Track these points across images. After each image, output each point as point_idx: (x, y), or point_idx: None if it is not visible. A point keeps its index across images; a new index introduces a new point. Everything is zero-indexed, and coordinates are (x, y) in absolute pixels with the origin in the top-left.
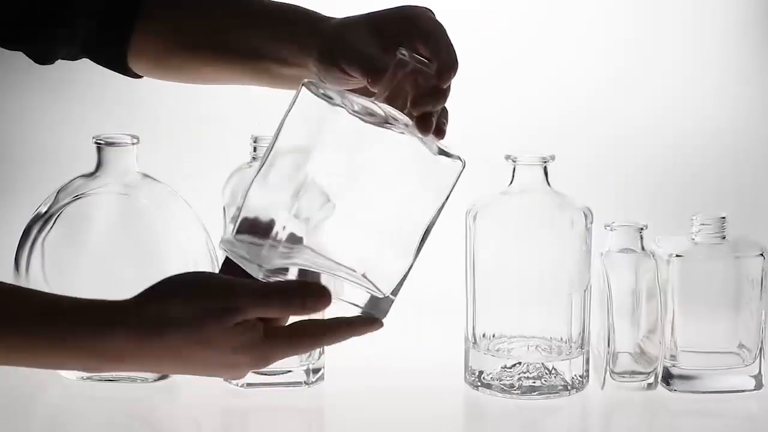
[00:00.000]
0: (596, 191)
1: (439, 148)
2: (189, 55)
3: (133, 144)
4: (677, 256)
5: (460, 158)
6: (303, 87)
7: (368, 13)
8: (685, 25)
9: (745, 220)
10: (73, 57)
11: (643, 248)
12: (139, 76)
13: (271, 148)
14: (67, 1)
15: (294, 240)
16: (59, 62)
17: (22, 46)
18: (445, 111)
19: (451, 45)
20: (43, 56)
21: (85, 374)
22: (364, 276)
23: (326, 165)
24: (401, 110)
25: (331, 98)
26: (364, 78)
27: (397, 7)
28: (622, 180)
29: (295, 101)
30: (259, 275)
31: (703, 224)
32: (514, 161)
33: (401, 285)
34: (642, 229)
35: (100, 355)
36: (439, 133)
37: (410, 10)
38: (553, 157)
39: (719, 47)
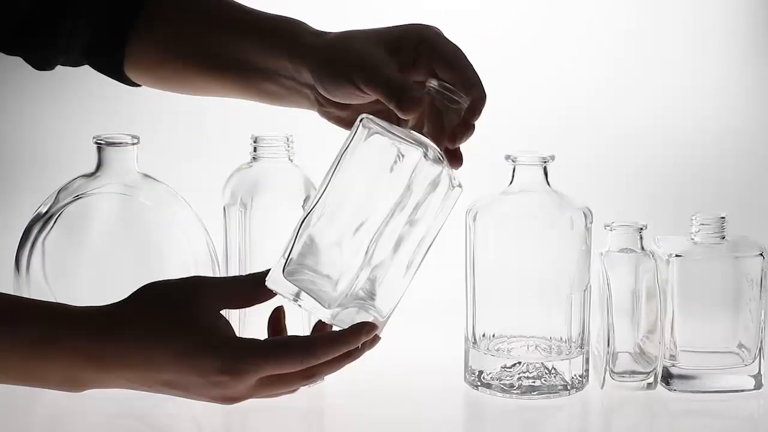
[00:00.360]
0: (596, 191)
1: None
2: (181, 67)
3: (133, 144)
4: (677, 256)
5: (460, 185)
6: (375, 136)
7: (375, 29)
8: (685, 26)
9: (744, 220)
10: (74, 63)
11: (642, 248)
12: (138, 85)
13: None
14: (64, 9)
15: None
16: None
17: (20, 52)
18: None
19: (476, 73)
20: (41, 62)
21: None
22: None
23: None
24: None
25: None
26: (390, 104)
27: (408, 25)
28: (621, 180)
29: (357, 139)
30: (327, 316)
31: (702, 224)
32: (514, 161)
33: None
34: (642, 229)
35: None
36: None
37: (425, 30)
38: (552, 157)
39: (719, 47)
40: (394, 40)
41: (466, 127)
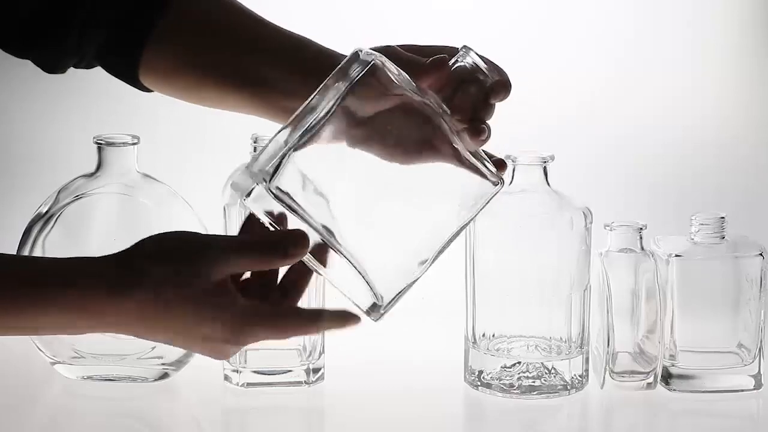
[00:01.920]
0: (596, 191)
1: (483, 162)
2: (198, 78)
3: (133, 144)
4: (676, 255)
5: (500, 179)
6: (372, 62)
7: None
8: (686, 26)
9: (744, 220)
10: (87, 66)
11: (642, 248)
12: (151, 90)
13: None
14: (74, 10)
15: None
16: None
17: (29, 54)
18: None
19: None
20: (51, 65)
21: (85, 374)
22: (364, 273)
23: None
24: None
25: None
26: (416, 70)
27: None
28: (621, 180)
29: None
30: (263, 188)
31: (702, 224)
32: (514, 161)
33: (401, 294)
34: (641, 229)
35: (67, 307)
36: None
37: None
38: (552, 158)
39: (719, 47)
40: (410, 49)
41: (486, 104)
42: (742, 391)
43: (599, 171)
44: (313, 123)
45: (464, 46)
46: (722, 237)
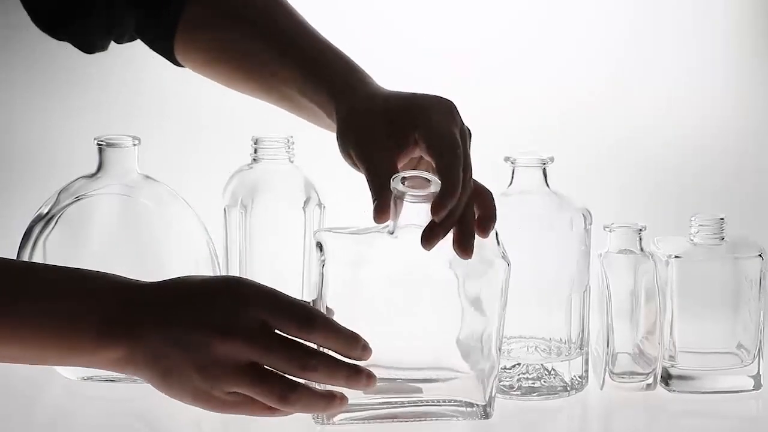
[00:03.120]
0: (595, 192)
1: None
2: (225, 75)
3: (134, 145)
4: (676, 257)
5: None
6: None
7: (386, 102)
8: (685, 26)
9: (743, 221)
10: (130, 39)
11: (641, 249)
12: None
13: None
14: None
15: None
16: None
17: (68, 36)
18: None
19: (456, 171)
20: (89, 44)
21: (85, 374)
22: None
23: None
24: None
25: None
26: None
27: (415, 101)
28: (621, 181)
29: None
30: None
31: (701, 225)
32: (513, 163)
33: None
34: (641, 230)
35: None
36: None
37: (426, 112)
38: (552, 159)
39: (719, 47)
40: (396, 118)
41: (436, 225)
42: (742, 391)
43: (599, 172)
44: None
45: (394, 180)
46: (722, 238)
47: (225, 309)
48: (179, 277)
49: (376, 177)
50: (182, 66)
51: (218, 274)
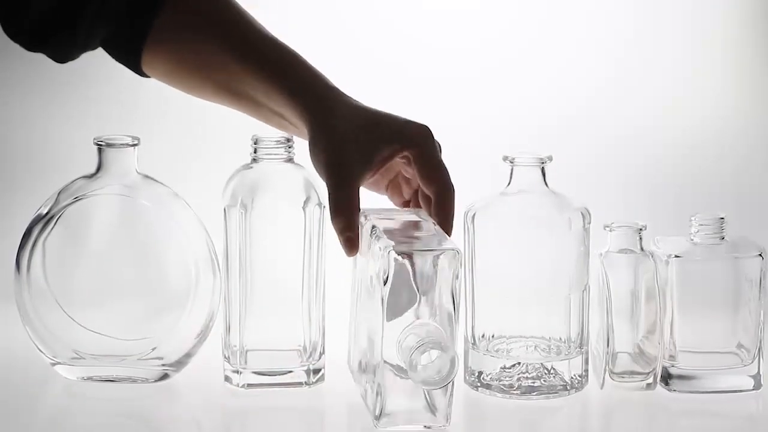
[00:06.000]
0: (595, 192)
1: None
2: (192, 81)
3: (133, 145)
4: (676, 256)
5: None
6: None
7: (362, 122)
8: (685, 25)
9: (743, 220)
10: (93, 48)
11: (642, 249)
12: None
13: None
14: (83, 7)
15: None
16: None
17: (41, 48)
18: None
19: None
20: (62, 56)
21: (85, 374)
22: None
23: None
24: None
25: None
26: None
27: (394, 131)
28: (621, 180)
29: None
30: None
31: (701, 225)
32: (512, 162)
33: None
34: (641, 229)
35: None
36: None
37: (404, 144)
38: (550, 158)
39: (719, 47)
40: (369, 135)
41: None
42: (742, 391)
43: (598, 171)
44: None
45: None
46: (722, 237)
47: None
48: None
49: (343, 210)
50: (148, 76)
51: (218, 271)
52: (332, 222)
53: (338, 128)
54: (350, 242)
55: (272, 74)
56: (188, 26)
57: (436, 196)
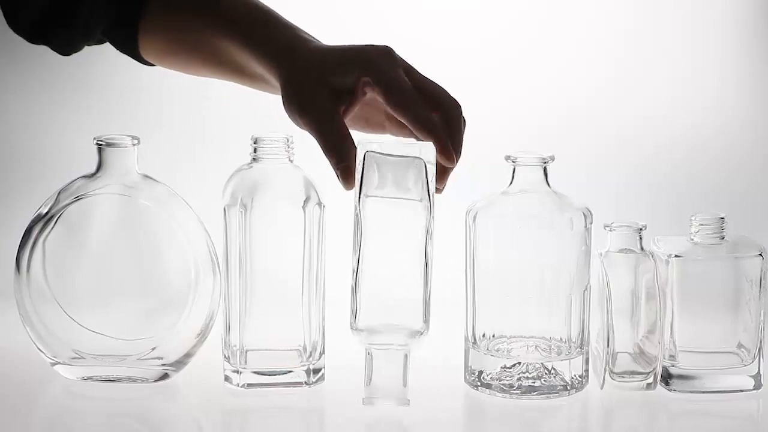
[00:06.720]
0: (596, 191)
1: None
2: (183, 60)
3: (133, 145)
4: (676, 256)
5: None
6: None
7: (323, 57)
8: (685, 25)
9: (744, 220)
10: (98, 42)
11: (642, 248)
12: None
13: None
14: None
15: None
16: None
17: (43, 40)
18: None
19: (426, 120)
20: (65, 48)
21: (85, 374)
22: None
23: None
24: None
25: None
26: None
27: (355, 57)
28: (621, 180)
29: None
30: None
31: (702, 224)
32: (514, 162)
33: None
34: (641, 229)
35: None
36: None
37: (369, 66)
38: (552, 158)
39: (719, 47)
40: (336, 72)
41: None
42: (742, 391)
43: (599, 171)
44: None
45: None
46: (722, 237)
47: None
48: None
49: (333, 142)
50: (152, 65)
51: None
52: (328, 160)
53: (303, 71)
54: (346, 172)
55: (246, 39)
56: (174, 3)
57: (411, 123)
